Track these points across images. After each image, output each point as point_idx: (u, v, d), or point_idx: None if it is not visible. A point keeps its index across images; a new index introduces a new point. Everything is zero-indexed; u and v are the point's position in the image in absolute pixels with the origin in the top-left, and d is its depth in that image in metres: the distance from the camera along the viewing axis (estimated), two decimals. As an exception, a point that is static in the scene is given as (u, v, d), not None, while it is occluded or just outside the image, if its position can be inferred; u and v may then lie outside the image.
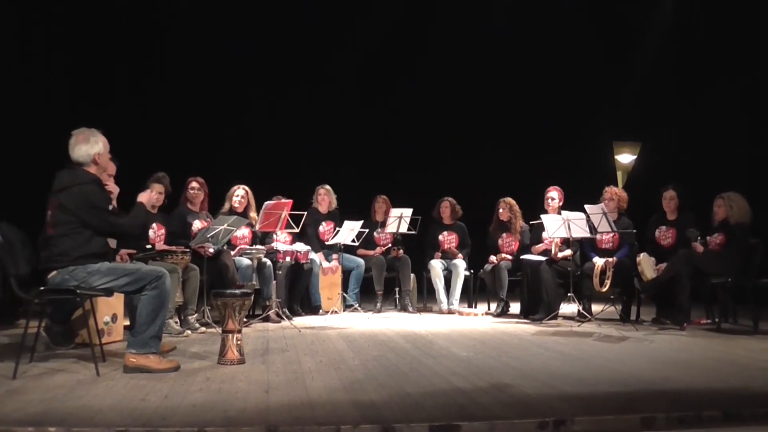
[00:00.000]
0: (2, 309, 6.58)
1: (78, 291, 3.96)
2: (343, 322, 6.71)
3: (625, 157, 11.38)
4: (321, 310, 7.42)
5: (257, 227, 6.64)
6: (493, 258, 7.53)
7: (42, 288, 4.00)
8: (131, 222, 4.28)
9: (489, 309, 7.79)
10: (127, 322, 5.01)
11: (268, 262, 6.81)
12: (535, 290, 6.92)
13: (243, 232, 6.90)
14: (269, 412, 3.05)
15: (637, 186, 9.85)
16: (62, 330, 4.75)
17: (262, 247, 6.86)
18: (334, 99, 10.21)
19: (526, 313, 7.14)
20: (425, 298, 8.12)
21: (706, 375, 4.01)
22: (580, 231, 6.38)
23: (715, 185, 6.57)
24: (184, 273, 5.82)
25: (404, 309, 7.65)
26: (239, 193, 7.00)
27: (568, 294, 6.51)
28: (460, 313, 7.48)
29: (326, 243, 7.66)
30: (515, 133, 10.66)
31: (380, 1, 10.04)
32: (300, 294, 7.39)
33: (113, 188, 4.52)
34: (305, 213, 7.08)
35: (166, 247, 5.87)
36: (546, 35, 10.12)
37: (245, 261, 6.64)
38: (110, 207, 4.12)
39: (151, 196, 4.52)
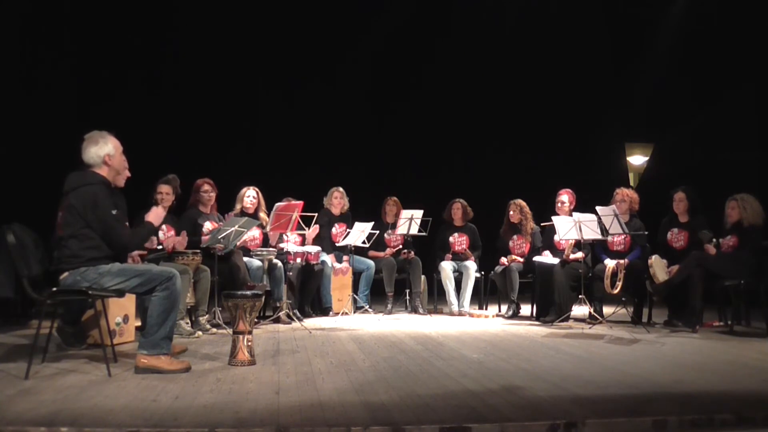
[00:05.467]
0: (15, 310, 6.64)
1: (90, 292, 3.97)
2: (353, 324, 6.71)
3: (637, 159, 11.36)
4: (331, 312, 7.42)
5: (268, 228, 6.66)
6: (503, 260, 7.52)
7: (54, 289, 4.02)
8: (132, 237, 4.25)
9: (500, 311, 7.77)
10: (139, 323, 5.06)
11: (279, 264, 6.82)
12: (546, 292, 6.90)
13: (254, 233, 6.91)
14: (280, 413, 3.05)
15: (650, 188, 9.81)
16: (74, 330, 4.78)
17: (273, 249, 6.88)
18: (344, 100, 10.22)
19: (537, 315, 7.13)
20: (436, 299, 8.11)
21: (719, 378, 3.98)
22: (592, 233, 6.36)
23: (727, 187, 6.53)
24: (195, 274, 5.84)
25: (415, 311, 7.65)
26: (251, 194, 7.03)
27: (579, 296, 6.48)
28: (471, 315, 7.46)
29: (337, 244, 7.67)
30: (526, 134, 10.63)
31: (392, 2, 10.04)
32: (311, 295, 7.40)
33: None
34: (316, 214, 7.09)
35: (178, 240, 5.88)
36: (557, 35, 10.10)
37: (256, 262, 6.66)
38: (114, 212, 4.11)
39: (160, 214, 4.45)
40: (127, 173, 4.74)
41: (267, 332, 6.01)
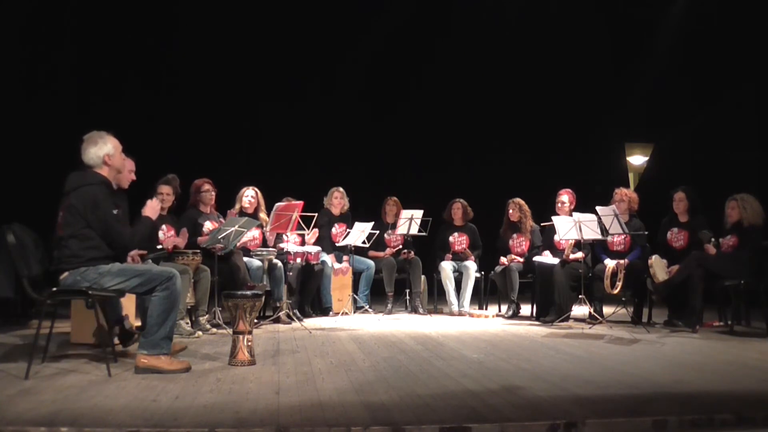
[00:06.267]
0: (15, 310, 6.64)
1: (90, 292, 3.97)
2: (353, 324, 6.71)
3: (637, 159, 11.37)
4: (331, 312, 7.42)
5: (268, 228, 6.66)
6: (503, 259, 7.52)
7: (54, 289, 4.01)
8: (133, 236, 4.24)
9: (500, 311, 7.77)
10: (139, 323, 5.05)
11: (279, 264, 6.82)
12: (546, 292, 6.91)
13: (253, 233, 6.92)
14: (280, 413, 3.05)
15: (650, 188, 9.81)
16: (124, 331, 4.65)
17: (273, 249, 6.87)
18: (344, 99, 10.23)
19: (537, 315, 7.13)
20: (436, 299, 8.11)
21: (719, 378, 3.99)
22: (592, 233, 6.36)
23: (727, 187, 6.53)
24: (195, 274, 5.84)
25: (414, 311, 7.65)
26: (249, 194, 7.03)
27: (579, 296, 6.49)
28: (471, 315, 7.46)
29: (337, 244, 7.67)
30: (526, 134, 10.64)
31: (392, 2, 10.04)
32: (311, 295, 7.40)
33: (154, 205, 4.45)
34: (316, 214, 7.10)
35: (178, 240, 5.88)
36: (557, 35, 10.10)
37: (256, 262, 6.66)
38: (115, 212, 4.11)
39: (155, 206, 4.42)
40: (133, 176, 4.75)
41: (267, 332, 6.01)
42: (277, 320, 6.56)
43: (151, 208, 4.36)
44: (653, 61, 10.41)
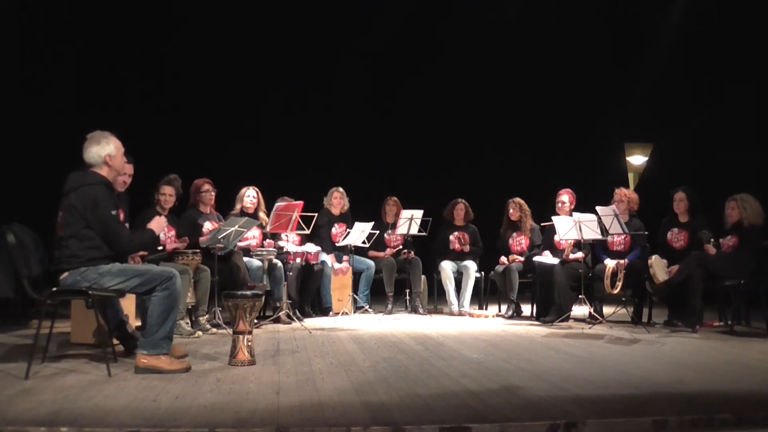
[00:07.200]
0: (15, 310, 6.64)
1: (90, 292, 3.97)
2: (353, 324, 6.71)
3: (637, 159, 11.37)
4: (331, 312, 7.42)
5: (268, 228, 6.66)
6: (504, 259, 7.52)
7: (54, 289, 4.01)
8: (132, 240, 4.25)
9: (500, 311, 7.77)
10: (139, 323, 5.05)
11: (279, 264, 6.82)
12: (546, 292, 6.91)
13: (254, 233, 6.92)
14: (280, 413, 3.05)
15: (650, 188, 9.81)
16: (126, 333, 4.66)
17: (273, 249, 6.87)
18: (344, 100, 10.22)
19: (537, 315, 7.13)
20: (436, 299, 8.10)
21: (719, 378, 3.99)
22: (592, 233, 6.36)
23: (727, 187, 6.53)
24: (195, 274, 5.84)
25: (415, 311, 7.65)
26: (251, 194, 7.03)
27: (579, 296, 6.48)
28: (471, 315, 7.46)
29: (337, 244, 7.66)
30: (527, 134, 10.64)
31: (392, 2, 10.04)
32: (311, 295, 7.40)
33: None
34: (316, 214, 7.10)
35: (177, 244, 5.89)
36: (557, 36, 10.10)
37: (256, 262, 6.66)
38: (114, 212, 4.11)
39: (162, 224, 4.46)
40: (127, 179, 4.74)
41: (267, 332, 6.01)
42: (277, 320, 6.56)
43: (158, 224, 4.38)
44: (653, 61, 10.41)
